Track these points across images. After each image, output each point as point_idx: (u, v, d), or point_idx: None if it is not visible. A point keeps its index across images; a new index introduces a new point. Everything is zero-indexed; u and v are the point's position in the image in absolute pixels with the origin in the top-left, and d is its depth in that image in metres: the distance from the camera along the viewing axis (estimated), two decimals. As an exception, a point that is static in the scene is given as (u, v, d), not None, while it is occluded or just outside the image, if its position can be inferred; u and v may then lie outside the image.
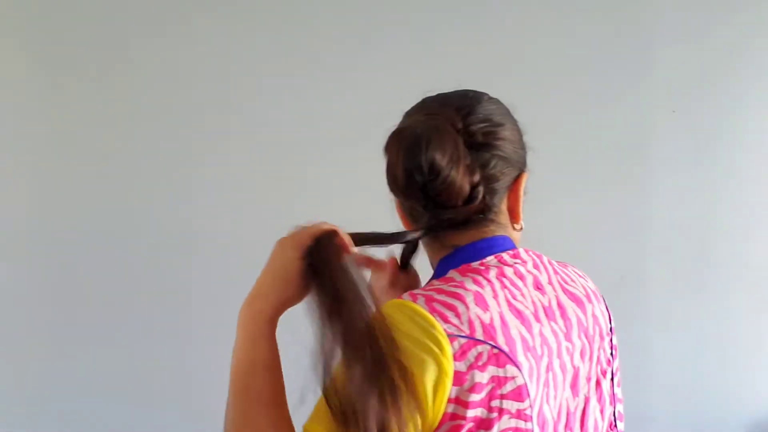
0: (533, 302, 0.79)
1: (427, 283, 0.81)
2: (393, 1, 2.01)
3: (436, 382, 0.68)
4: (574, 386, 0.79)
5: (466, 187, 0.79)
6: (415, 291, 0.76)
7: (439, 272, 0.82)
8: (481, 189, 0.79)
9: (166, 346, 2.05)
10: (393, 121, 0.87)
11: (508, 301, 0.76)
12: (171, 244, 2.03)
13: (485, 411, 0.70)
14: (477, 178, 0.79)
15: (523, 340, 0.74)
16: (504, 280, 0.78)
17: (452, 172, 0.77)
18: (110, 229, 2.03)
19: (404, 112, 0.88)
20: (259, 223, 2.02)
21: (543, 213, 1.99)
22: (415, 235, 0.83)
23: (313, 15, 2.00)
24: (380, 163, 0.84)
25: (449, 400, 0.69)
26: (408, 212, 0.85)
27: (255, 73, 2.01)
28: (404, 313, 0.71)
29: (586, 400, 0.81)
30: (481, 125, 0.80)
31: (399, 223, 0.89)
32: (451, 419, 0.69)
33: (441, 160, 0.77)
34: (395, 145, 0.80)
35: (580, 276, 0.88)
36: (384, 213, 0.90)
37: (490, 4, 2.01)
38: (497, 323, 0.73)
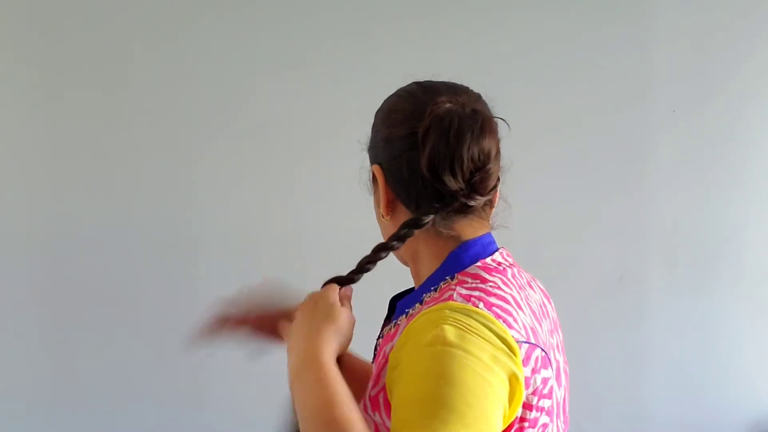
0: (536, 302, 0.81)
1: (454, 279, 0.78)
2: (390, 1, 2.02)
3: (513, 388, 0.69)
4: (557, 378, 0.81)
5: (495, 179, 0.79)
6: (462, 291, 0.73)
7: (454, 265, 0.79)
8: (499, 183, 0.81)
9: (168, 346, 2.05)
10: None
11: (528, 304, 0.78)
12: (170, 245, 2.03)
13: (536, 411, 0.73)
14: (499, 171, 0.80)
15: (544, 341, 0.77)
16: (515, 280, 0.80)
17: (495, 163, 0.78)
18: (110, 230, 2.02)
19: (400, 92, 0.84)
20: (258, 222, 2.03)
21: (543, 213, 2.01)
22: (427, 219, 0.78)
23: (309, 14, 2.00)
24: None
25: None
26: (415, 196, 0.79)
27: (254, 72, 2.00)
28: (475, 320, 0.69)
29: (565, 390, 0.84)
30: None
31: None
32: (520, 422, 0.72)
33: (493, 149, 0.77)
34: (447, 127, 0.75)
35: None
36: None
37: (489, 4, 2.01)
38: (533, 326, 0.75)
